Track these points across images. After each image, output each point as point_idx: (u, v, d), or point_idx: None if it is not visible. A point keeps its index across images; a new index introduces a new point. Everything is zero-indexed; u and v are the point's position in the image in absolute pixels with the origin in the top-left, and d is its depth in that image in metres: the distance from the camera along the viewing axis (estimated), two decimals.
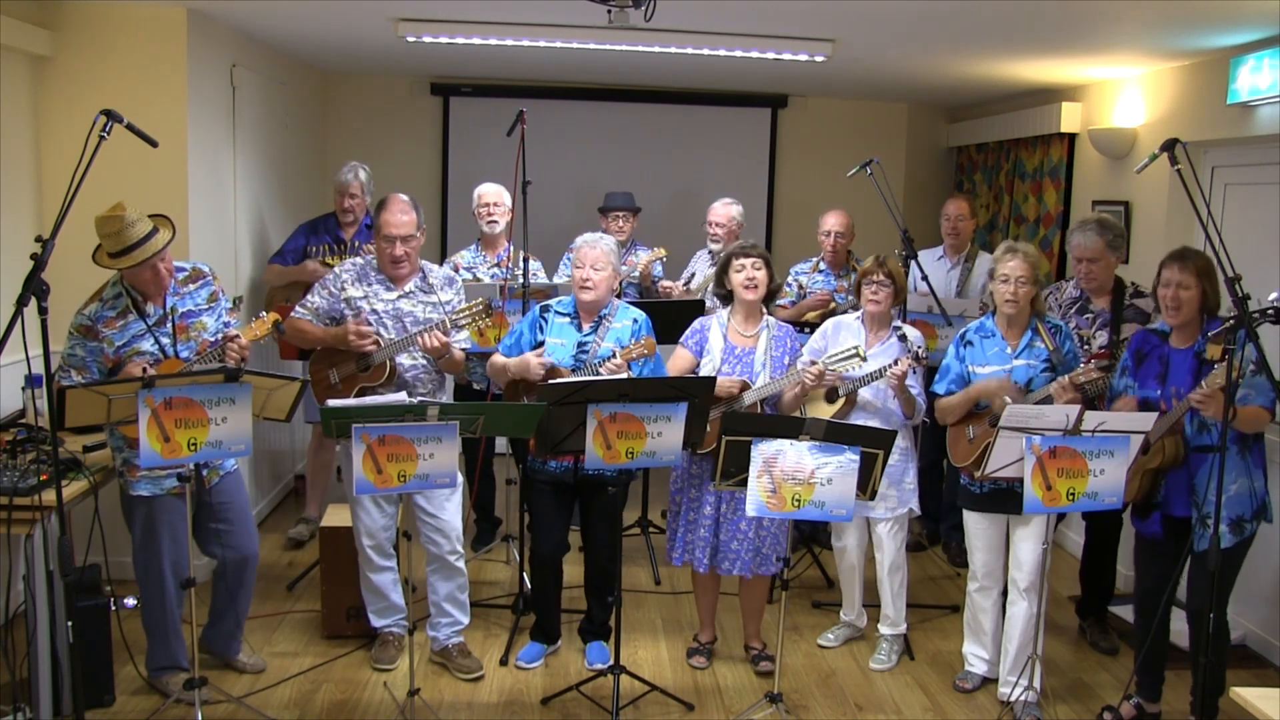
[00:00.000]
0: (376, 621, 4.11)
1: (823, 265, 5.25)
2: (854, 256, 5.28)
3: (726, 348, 3.95)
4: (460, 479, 3.50)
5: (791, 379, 3.82)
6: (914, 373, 3.91)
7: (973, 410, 3.83)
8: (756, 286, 3.91)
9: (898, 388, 3.89)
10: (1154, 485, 3.52)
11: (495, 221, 5.06)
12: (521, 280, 4.64)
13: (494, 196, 5.07)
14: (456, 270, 5.08)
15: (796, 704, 3.90)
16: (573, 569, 4.25)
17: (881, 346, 4.05)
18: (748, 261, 3.92)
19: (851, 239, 5.26)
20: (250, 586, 3.87)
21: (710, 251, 5.44)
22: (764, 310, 4.02)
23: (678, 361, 4.00)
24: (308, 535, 5.27)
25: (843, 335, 4.09)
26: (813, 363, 3.79)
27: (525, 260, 4.71)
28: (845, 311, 4.96)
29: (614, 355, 3.75)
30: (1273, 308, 3.13)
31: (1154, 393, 3.53)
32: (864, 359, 3.79)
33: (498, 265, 5.05)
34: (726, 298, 4.03)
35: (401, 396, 3.43)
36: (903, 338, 4.00)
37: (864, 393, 4.02)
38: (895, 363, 3.83)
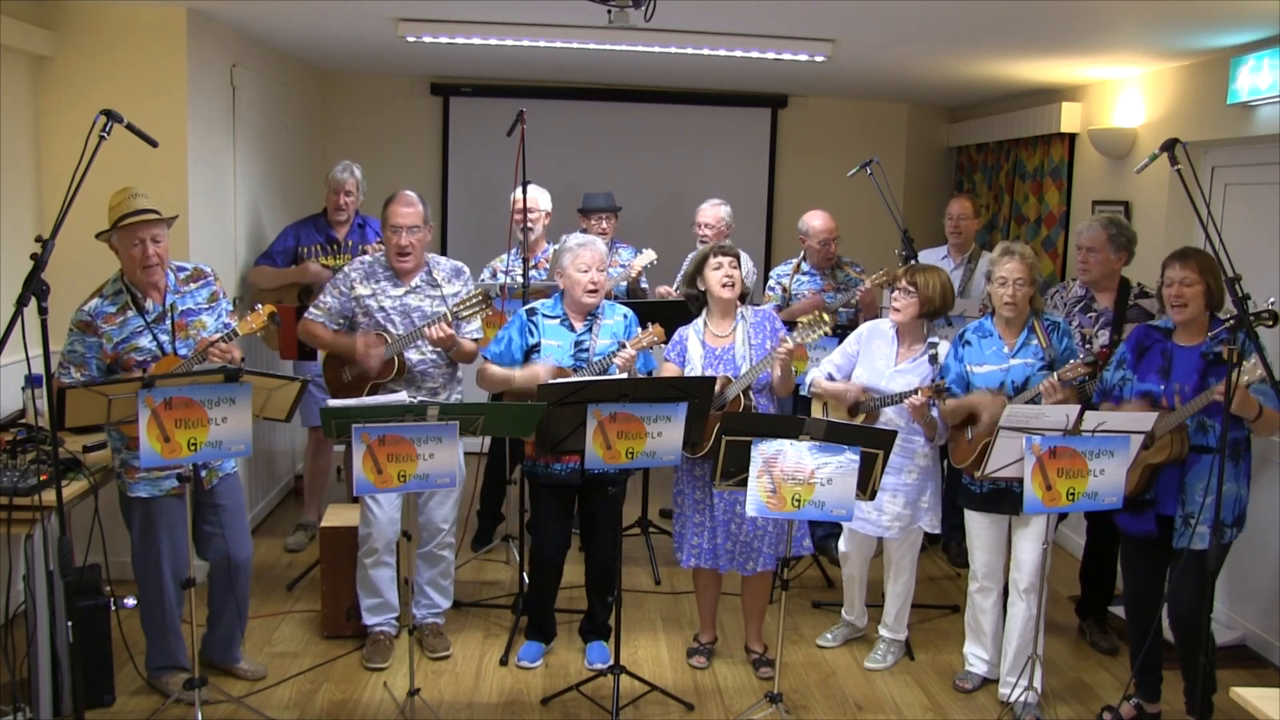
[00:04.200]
0: (368, 619, 4.10)
1: (805, 266, 5.19)
2: (837, 254, 5.22)
3: (706, 352, 3.93)
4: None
5: (768, 361, 3.80)
6: (930, 404, 3.84)
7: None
8: (734, 285, 3.89)
9: (915, 416, 3.85)
10: (1151, 481, 3.52)
11: (531, 228, 5.02)
12: (523, 279, 4.63)
13: (530, 201, 5.02)
14: (495, 274, 5.08)
15: (796, 704, 3.90)
16: (571, 569, 4.26)
17: (911, 364, 3.97)
18: (725, 260, 3.89)
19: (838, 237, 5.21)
20: (245, 592, 3.86)
21: None
22: (738, 305, 4.00)
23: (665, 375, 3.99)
24: (306, 542, 5.25)
25: (875, 343, 4.05)
26: (783, 340, 3.77)
27: (525, 261, 4.71)
28: (836, 312, 4.96)
29: (624, 347, 3.74)
30: (1267, 311, 3.13)
31: (1156, 387, 3.53)
32: (825, 322, 3.74)
33: (535, 268, 5.01)
34: (699, 298, 4.00)
35: (402, 396, 3.43)
36: (933, 359, 3.90)
37: (888, 411, 3.97)
38: (915, 392, 3.78)
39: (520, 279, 4.91)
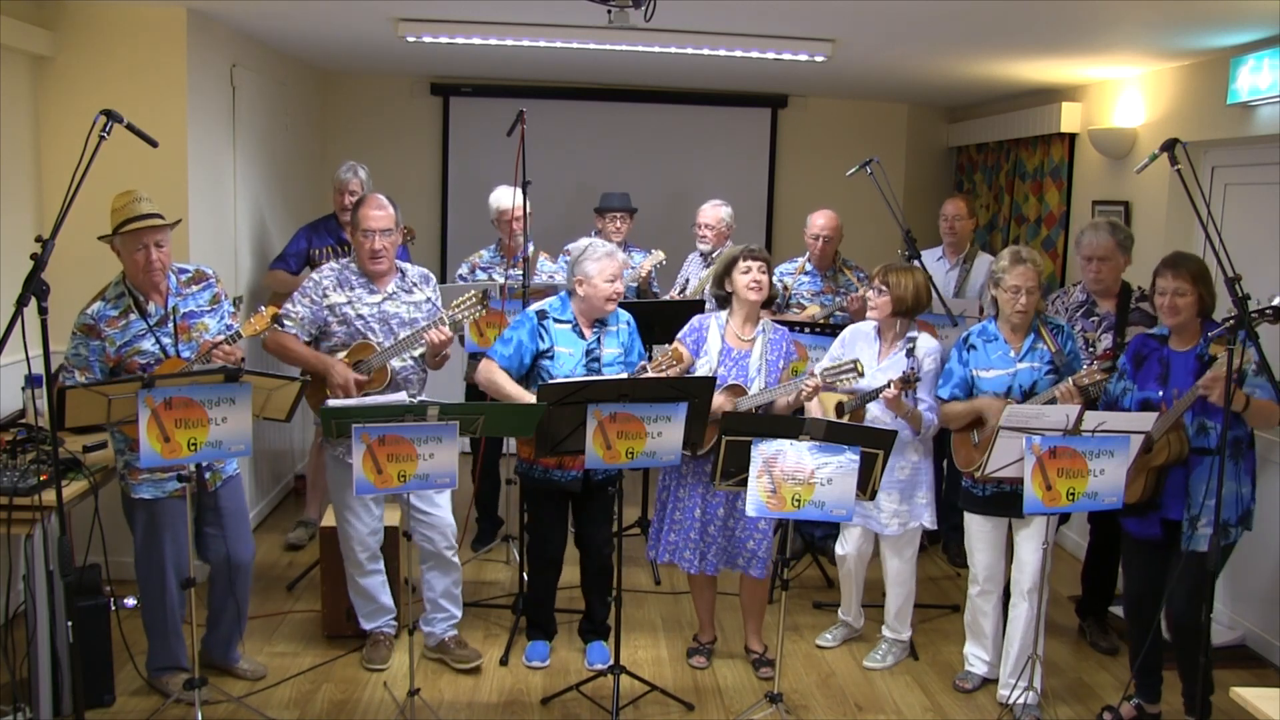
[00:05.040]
0: (366, 624, 4.11)
1: (809, 266, 5.20)
2: (840, 258, 5.24)
3: (724, 349, 3.94)
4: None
5: (788, 389, 3.82)
6: (908, 395, 3.86)
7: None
8: (761, 288, 3.90)
9: (892, 409, 3.87)
10: (1158, 485, 3.52)
11: (518, 233, 5.04)
12: (523, 279, 4.63)
13: (518, 210, 5.02)
14: (474, 270, 5.08)
15: (796, 704, 3.90)
16: (568, 568, 4.25)
17: (891, 359, 3.99)
18: (754, 264, 3.90)
19: (839, 240, 5.20)
20: (246, 593, 3.86)
21: (701, 254, 5.42)
22: (760, 313, 4.02)
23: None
24: (306, 539, 5.26)
25: (858, 345, 4.07)
26: (811, 374, 3.79)
27: (526, 260, 4.71)
28: (831, 315, 4.97)
29: (644, 369, 3.73)
30: (1271, 307, 3.13)
31: (1155, 394, 3.53)
32: (861, 374, 3.73)
33: (515, 266, 5.03)
34: (725, 300, 4.01)
35: (401, 396, 3.43)
36: (910, 352, 3.92)
37: (873, 408, 3.98)
38: (889, 385, 3.80)
39: (501, 278, 4.94)
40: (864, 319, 4.80)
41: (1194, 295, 3.43)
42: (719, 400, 3.77)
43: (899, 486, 4.00)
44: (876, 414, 3.98)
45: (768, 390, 3.84)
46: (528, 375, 3.86)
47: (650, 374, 3.69)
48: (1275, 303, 3.20)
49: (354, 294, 3.92)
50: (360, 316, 3.90)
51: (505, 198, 5.03)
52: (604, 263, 3.80)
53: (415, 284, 4.03)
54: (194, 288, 3.66)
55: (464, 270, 5.16)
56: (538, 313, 3.90)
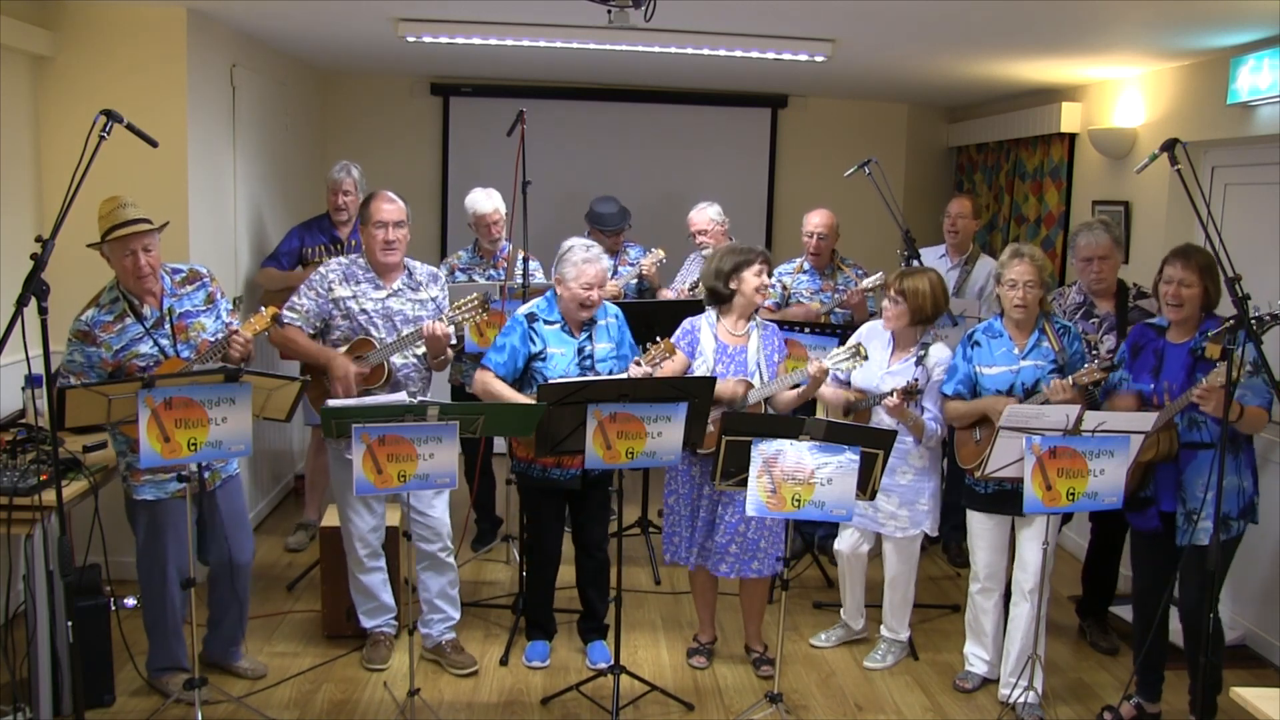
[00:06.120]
0: (366, 622, 4.11)
1: (807, 266, 5.20)
2: (838, 256, 5.24)
3: (719, 347, 3.94)
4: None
5: (792, 379, 3.80)
6: (912, 405, 3.87)
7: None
8: (768, 293, 3.98)
9: (893, 416, 3.86)
10: (1144, 479, 3.53)
11: (497, 239, 5.04)
12: (520, 280, 4.63)
13: (491, 211, 4.98)
14: (453, 272, 5.08)
15: (796, 704, 3.90)
16: (565, 568, 4.26)
17: (902, 365, 3.98)
18: (765, 267, 3.91)
19: (835, 239, 5.16)
20: (246, 593, 3.85)
21: (703, 256, 5.41)
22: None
23: (671, 363, 3.98)
24: (307, 541, 5.25)
25: (873, 344, 4.06)
26: (815, 361, 3.78)
27: (525, 260, 4.71)
28: (830, 313, 4.97)
29: (638, 365, 3.72)
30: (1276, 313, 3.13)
31: (1147, 386, 3.54)
32: (865, 357, 3.75)
33: (494, 266, 5.04)
34: (724, 298, 3.98)
35: (401, 396, 3.43)
36: (920, 360, 3.91)
37: (880, 411, 3.96)
38: (891, 393, 3.81)
39: (482, 278, 4.95)
40: (863, 315, 4.82)
41: (1199, 288, 3.43)
42: (730, 387, 3.77)
43: (899, 491, 4.00)
44: (883, 417, 3.97)
45: (775, 381, 3.84)
46: (521, 378, 3.86)
47: (644, 367, 3.68)
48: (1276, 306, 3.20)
49: (359, 289, 3.93)
50: (364, 311, 3.91)
51: (481, 201, 5.01)
52: (581, 269, 3.78)
53: (422, 282, 4.03)
54: (188, 288, 3.65)
55: (442, 272, 5.16)
56: (527, 315, 3.89)
